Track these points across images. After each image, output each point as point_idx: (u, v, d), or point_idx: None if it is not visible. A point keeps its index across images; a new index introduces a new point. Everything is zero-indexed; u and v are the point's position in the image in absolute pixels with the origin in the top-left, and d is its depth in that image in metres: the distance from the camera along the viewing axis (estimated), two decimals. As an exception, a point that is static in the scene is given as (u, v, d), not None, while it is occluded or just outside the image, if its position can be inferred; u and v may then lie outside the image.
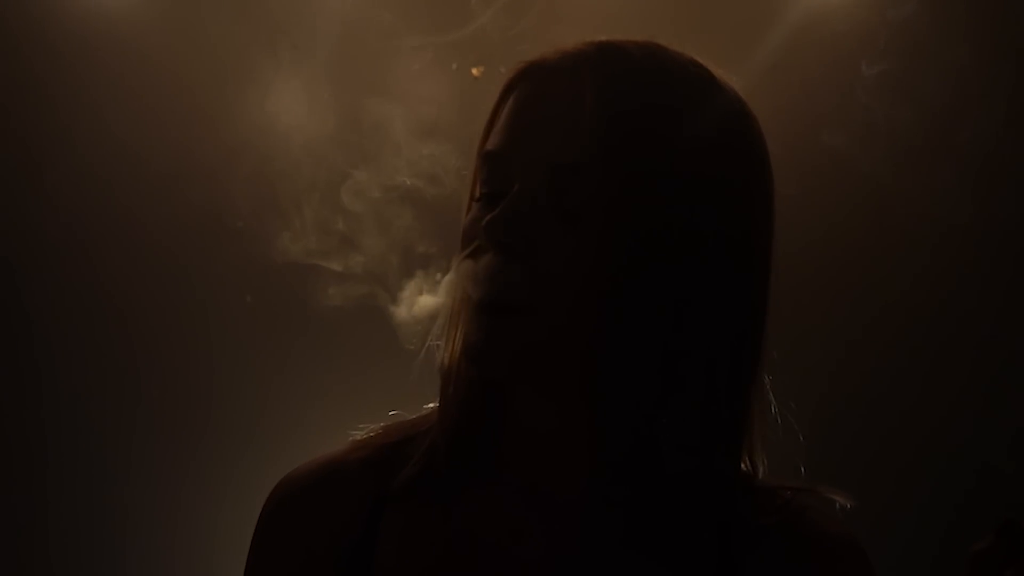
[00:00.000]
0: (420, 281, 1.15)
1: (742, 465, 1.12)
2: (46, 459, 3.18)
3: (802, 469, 1.15)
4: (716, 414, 1.07)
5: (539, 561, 1.08)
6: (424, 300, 1.14)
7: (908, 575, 2.90)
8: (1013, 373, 3.13)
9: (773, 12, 3.10)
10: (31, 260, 3.18)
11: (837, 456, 2.63)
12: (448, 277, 1.13)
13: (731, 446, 1.09)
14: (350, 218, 1.27)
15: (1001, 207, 3.14)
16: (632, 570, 1.06)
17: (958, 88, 3.04)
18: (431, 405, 1.18)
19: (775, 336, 1.13)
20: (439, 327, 1.15)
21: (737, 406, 1.09)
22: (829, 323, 3.13)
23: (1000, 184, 3.14)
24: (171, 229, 3.16)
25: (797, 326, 1.29)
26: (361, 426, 1.19)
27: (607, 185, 1.04)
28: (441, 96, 2.93)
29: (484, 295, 1.05)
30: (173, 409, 3.18)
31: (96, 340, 3.18)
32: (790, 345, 1.15)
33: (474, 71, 2.98)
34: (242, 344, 3.12)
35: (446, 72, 3.00)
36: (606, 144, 1.04)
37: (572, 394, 1.08)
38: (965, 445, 3.10)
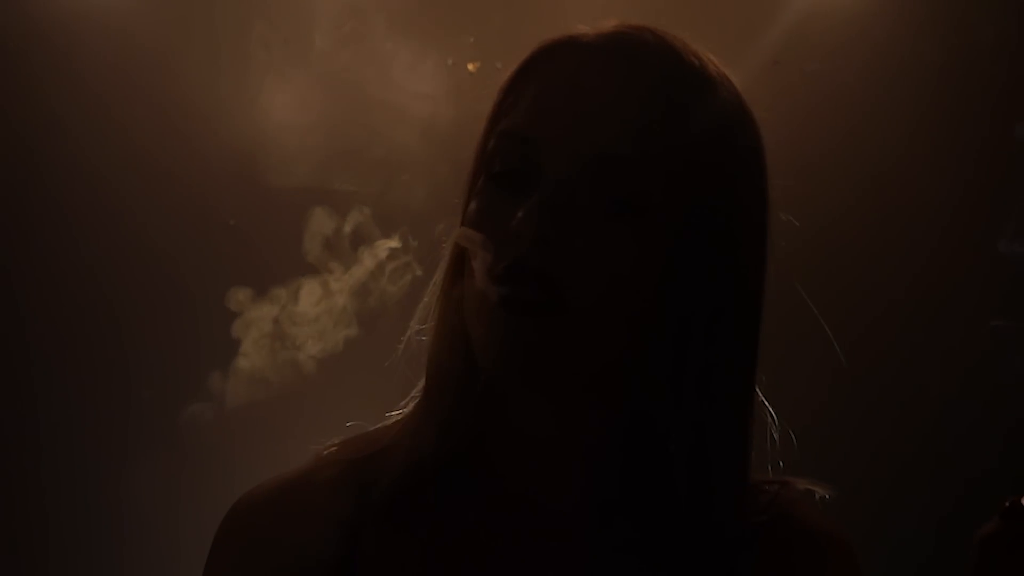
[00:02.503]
0: (413, 276, 1.11)
1: None
2: (39, 455, 3.17)
3: (780, 463, 1.13)
4: (733, 423, 1.05)
5: (537, 574, 1.04)
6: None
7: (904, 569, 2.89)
8: (1012, 372, 3.12)
9: (773, 6, 3.09)
10: (24, 256, 3.16)
11: (832, 455, 2.62)
12: (441, 266, 1.07)
13: (743, 452, 1.06)
14: (345, 212, 1.24)
15: (1001, 207, 3.14)
16: None
17: (960, 82, 3.04)
18: (394, 413, 1.11)
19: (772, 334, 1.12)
20: (425, 320, 1.10)
21: (747, 412, 1.06)
22: (825, 318, 3.12)
23: (1001, 182, 3.13)
24: (163, 225, 3.15)
25: (790, 324, 1.28)
26: (320, 440, 1.11)
27: (666, 182, 0.99)
28: (436, 91, 2.91)
29: (511, 291, 0.97)
30: (163, 406, 3.17)
31: (87, 335, 3.16)
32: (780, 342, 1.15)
33: (470, 66, 2.97)
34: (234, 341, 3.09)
35: (442, 67, 2.98)
36: (668, 141, 0.99)
37: (581, 398, 1.03)
38: (961, 444, 3.09)
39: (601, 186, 0.98)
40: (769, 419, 1.09)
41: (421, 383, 1.10)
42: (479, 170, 1.05)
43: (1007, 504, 0.84)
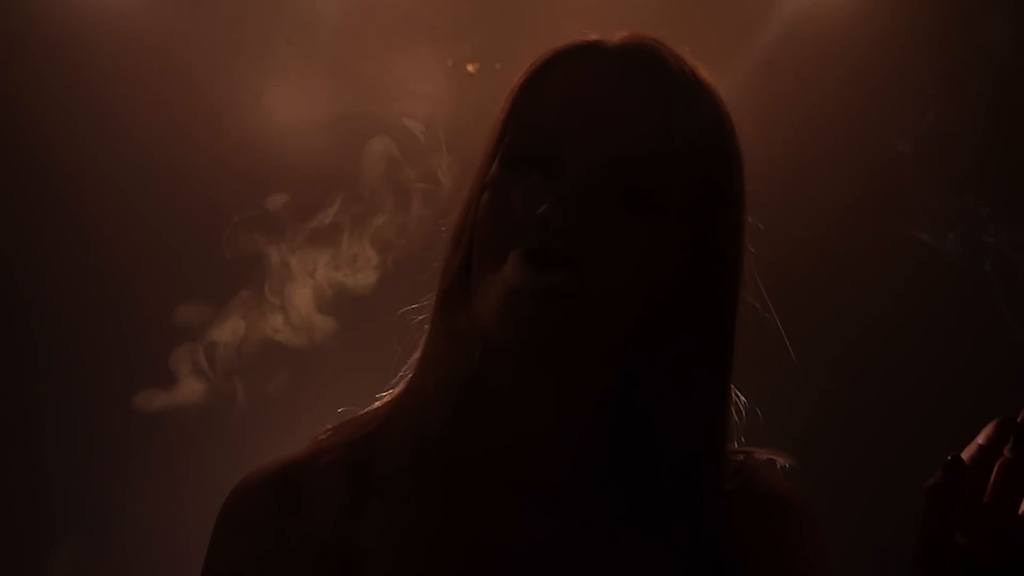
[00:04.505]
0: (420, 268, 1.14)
1: None
2: (42, 453, 3.18)
3: (742, 439, 1.20)
4: (716, 402, 1.12)
5: (532, 548, 1.08)
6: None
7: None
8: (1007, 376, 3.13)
9: (768, 7, 3.10)
10: (30, 254, 3.18)
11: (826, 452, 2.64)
12: (444, 252, 1.11)
13: (723, 428, 1.13)
14: (346, 212, 1.27)
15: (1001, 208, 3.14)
16: (620, 549, 1.07)
17: (958, 82, 3.05)
18: (383, 395, 1.16)
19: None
20: (429, 302, 1.13)
21: (726, 393, 1.14)
22: (824, 317, 3.14)
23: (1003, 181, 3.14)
24: (167, 222, 3.16)
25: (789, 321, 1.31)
26: (316, 426, 1.15)
27: (678, 182, 1.07)
28: (436, 91, 2.93)
29: (536, 275, 1.03)
30: (164, 405, 3.17)
31: (91, 330, 3.17)
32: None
33: (469, 67, 2.98)
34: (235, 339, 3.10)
35: (442, 67, 3.00)
36: (681, 145, 1.07)
37: (584, 377, 1.10)
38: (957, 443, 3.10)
39: (620, 183, 1.06)
40: (736, 399, 1.16)
41: (410, 362, 1.14)
42: (490, 161, 1.11)
43: (949, 458, 0.90)
